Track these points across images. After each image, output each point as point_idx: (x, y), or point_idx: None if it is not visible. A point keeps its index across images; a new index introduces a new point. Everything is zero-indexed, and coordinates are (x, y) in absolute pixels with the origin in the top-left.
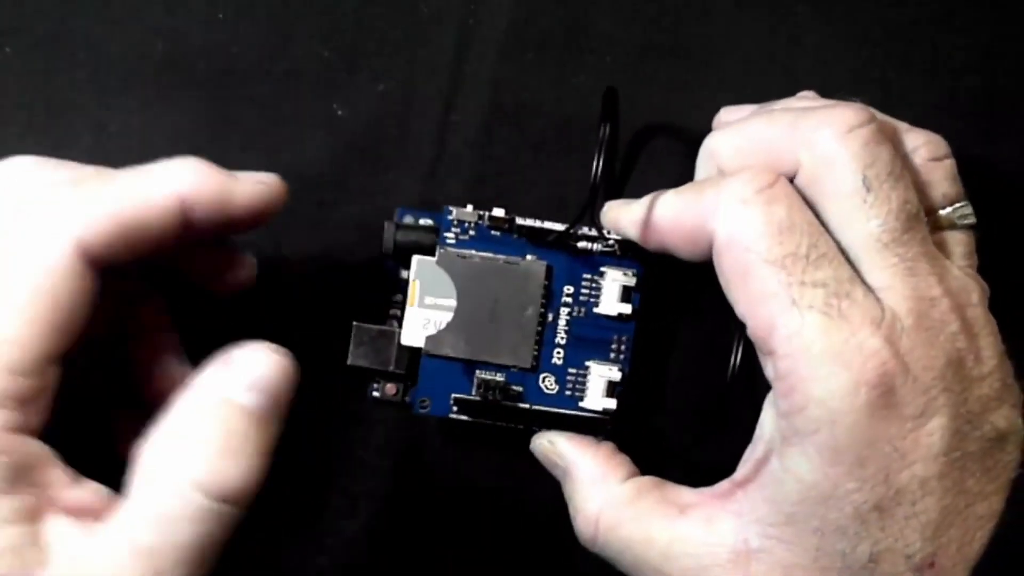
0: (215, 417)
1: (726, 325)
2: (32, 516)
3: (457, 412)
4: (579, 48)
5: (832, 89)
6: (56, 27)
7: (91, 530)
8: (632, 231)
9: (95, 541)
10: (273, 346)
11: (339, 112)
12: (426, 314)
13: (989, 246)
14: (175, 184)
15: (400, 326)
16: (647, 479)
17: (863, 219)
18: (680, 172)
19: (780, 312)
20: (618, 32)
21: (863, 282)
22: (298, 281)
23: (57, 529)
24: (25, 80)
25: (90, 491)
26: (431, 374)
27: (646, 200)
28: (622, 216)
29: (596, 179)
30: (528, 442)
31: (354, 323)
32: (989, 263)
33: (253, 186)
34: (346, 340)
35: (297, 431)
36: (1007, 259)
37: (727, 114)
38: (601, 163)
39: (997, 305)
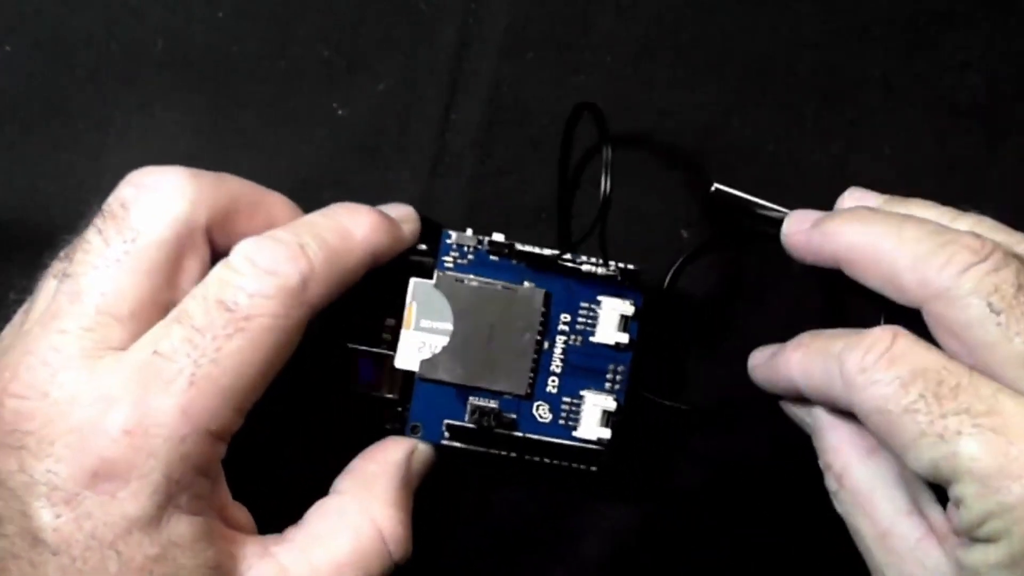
0: (405, 497)
1: (728, 355)
2: (223, 535)
3: (449, 438)
4: (579, 48)
5: (834, 90)
6: (56, 27)
7: (277, 557)
8: (781, 392)
9: (289, 570)
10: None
11: (339, 111)
12: (422, 337)
13: None
14: (373, 243)
15: (394, 349)
16: (896, 464)
17: (1004, 340)
18: (667, 188)
19: (931, 448)
20: (618, 32)
21: (1014, 392)
22: None
23: (244, 549)
24: (25, 80)
25: (241, 509)
26: (425, 399)
27: (786, 358)
28: (764, 382)
29: (605, 195)
30: (520, 469)
31: (348, 346)
32: None
33: (410, 227)
34: (340, 359)
35: (289, 451)
36: None
37: (852, 201)
38: (609, 185)
39: None
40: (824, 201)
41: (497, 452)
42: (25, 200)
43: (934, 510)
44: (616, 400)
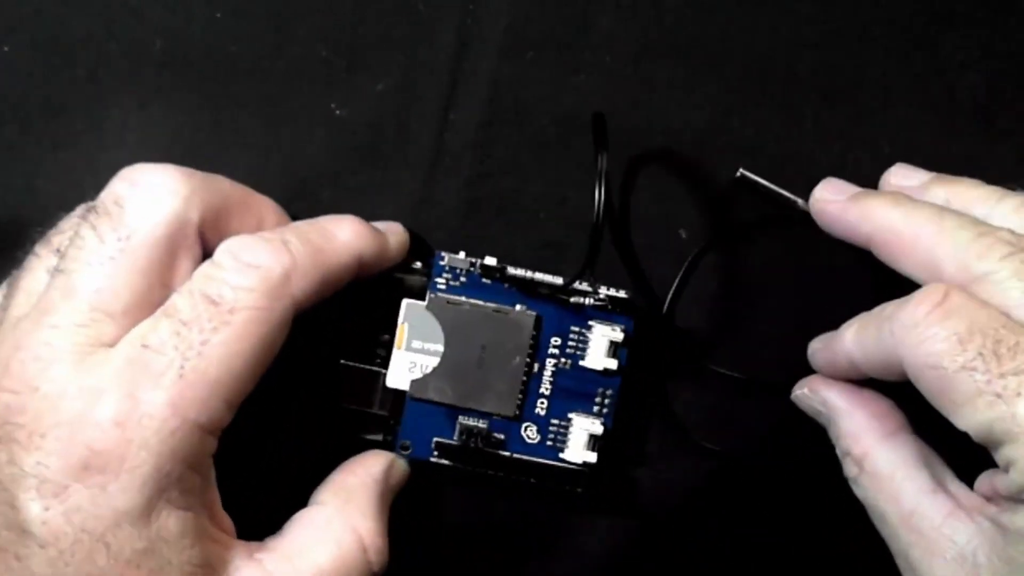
0: (384, 508)
1: (717, 383)
2: (211, 536)
3: (438, 456)
4: (579, 47)
5: (834, 90)
6: (56, 27)
7: (261, 561)
8: (842, 374)
9: (262, 570)
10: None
11: (338, 112)
12: (413, 357)
13: None
14: (357, 246)
15: (386, 367)
16: (916, 443)
17: None
18: (667, 187)
19: (987, 408)
20: (618, 32)
21: None
22: None
23: (231, 552)
24: (25, 80)
25: (227, 516)
26: (414, 417)
27: (841, 335)
28: (825, 365)
29: (599, 218)
30: (507, 488)
31: (341, 362)
32: None
33: (397, 239)
34: (332, 375)
35: (275, 463)
36: None
37: (898, 178)
38: (602, 200)
39: None
40: None
41: (484, 471)
42: (24, 200)
43: (959, 487)
44: (603, 424)
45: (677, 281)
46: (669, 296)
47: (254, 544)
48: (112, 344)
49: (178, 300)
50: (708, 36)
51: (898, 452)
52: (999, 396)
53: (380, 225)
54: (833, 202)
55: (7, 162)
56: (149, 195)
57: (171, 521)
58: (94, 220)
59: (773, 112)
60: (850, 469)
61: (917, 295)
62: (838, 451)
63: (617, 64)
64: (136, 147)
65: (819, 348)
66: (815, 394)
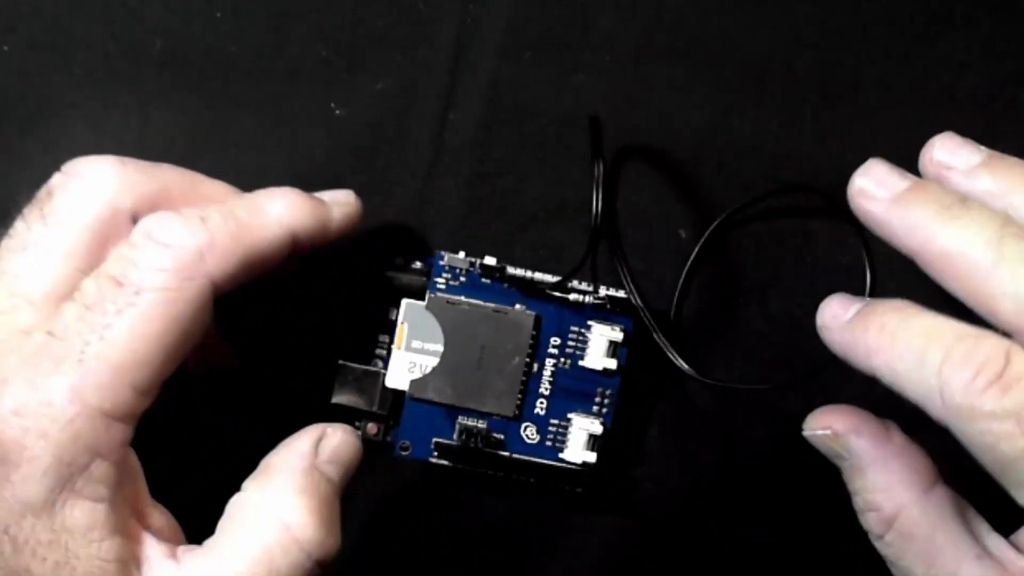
0: (312, 485)
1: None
2: (129, 532)
3: (437, 457)
4: (579, 48)
5: (833, 90)
6: (55, 26)
7: (180, 560)
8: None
9: (185, 571)
10: (352, 429)
11: (337, 111)
12: (412, 358)
13: None
14: (289, 220)
15: (385, 367)
16: (953, 497)
17: None
18: (667, 187)
19: None
20: (618, 32)
21: None
22: (294, 283)
23: (150, 550)
24: (24, 79)
25: (164, 514)
26: (414, 418)
27: (865, 340)
28: (838, 350)
29: (596, 220)
30: (507, 488)
31: (340, 362)
32: None
33: (343, 210)
34: (331, 374)
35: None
36: None
37: (943, 154)
38: (600, 204)
39: None
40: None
41: (484, 471)
42: (22, 201)
43: (1001, 546)
44: (603, 424)
45: (681, 283)
46: (675, 299)
47: (188, 546)
48: (31, 331)
49: (86, 283)
50: (708, 36)
51: (937, 510)
52: None
53: (327, 195)
54: (875, 200)
55: (6, 162)
56: (79, 184)
57: (77, 512)
58: (25, 210)
59: (773, 112)
60: (876, 526)
61: (973, 360)
62: (859, 502)
63: (617, 64)
64: (136, 147)
65: (834, 327)
66: (837, 439)
